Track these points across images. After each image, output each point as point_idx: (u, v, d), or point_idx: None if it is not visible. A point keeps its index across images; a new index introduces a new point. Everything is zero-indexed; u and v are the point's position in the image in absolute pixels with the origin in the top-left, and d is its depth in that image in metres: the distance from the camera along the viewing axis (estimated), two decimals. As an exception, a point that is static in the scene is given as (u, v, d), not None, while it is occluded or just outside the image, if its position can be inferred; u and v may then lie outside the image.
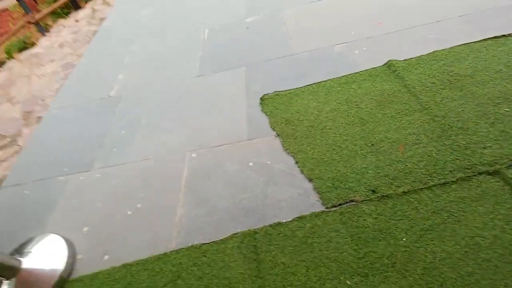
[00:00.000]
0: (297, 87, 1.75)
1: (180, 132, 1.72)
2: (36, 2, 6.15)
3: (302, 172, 1.34)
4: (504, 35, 1.62)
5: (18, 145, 2.28)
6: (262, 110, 1.68)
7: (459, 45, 1.66)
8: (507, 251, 0.95)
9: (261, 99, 1.75)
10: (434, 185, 1.16)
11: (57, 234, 1.40)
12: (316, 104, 1.62)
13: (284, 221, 1.20)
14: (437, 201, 1.11)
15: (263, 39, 2.22)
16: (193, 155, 1.58)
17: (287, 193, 1.29)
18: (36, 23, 4.76)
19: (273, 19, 2.38)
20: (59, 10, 5.34)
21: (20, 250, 1.37)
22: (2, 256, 1.22)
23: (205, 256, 1.18)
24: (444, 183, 1.15)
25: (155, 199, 1.44)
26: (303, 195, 1.27)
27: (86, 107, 2.13)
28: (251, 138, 1.56)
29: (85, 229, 1.41)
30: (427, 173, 1.20)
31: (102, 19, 3.84)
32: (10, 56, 5.13)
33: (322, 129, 1.49)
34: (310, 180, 1.30)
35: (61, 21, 4.65)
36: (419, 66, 1.62)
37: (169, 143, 1.67)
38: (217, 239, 1.22)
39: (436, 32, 1.79)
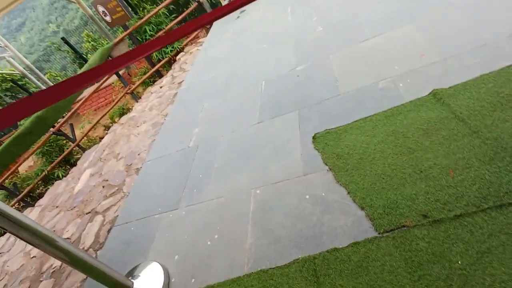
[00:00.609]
0: (346, 123, 1.92)
1: (245, 172, 2.02)
2: (130, 76, 7.72)
3: (354, 201, 1.48)
4: (560, 49, 1.57)
5: (124, 192, 2.88)
6: (314, 147, 1.89)
7: (508, 66, 1.65)
8: None
9: (313, 137, 1.96)
10: (489, 208, 1.17)
11: (156, 261, 1.76)
12: (364, 138, 1.76)
13: (340, 246, 1.34)
14: (494, 224, 1.13)
15: (312, 84, 2.49)
16: (258, 191, 1.84)
17: (342, 221, 1.43)
18: (131, 93, 5.98)
19: (320, 65, 2.66)
20: (147, 80, 6.62)
21: (131, 273, 1.76)
22: (122, 277, 1.61)
23: (272, 279, 1.37)
24: (500, 205, 1.16)
25: (228, 231, 1.72)
26: (356, 222, 1.39)
27: (172, 157, 2.63)
28: (306, 173, 1.77)
29: (176, 257, 1.75)
30: (480, 196, 1.22)
31: (180, 83, 4.67)
32: (113, 121, 6.45)
33: (371, 160, 1.61)
34: (362, 208, 1.43)
35: (149, 88, 5.75)
36: (466, 92, 1.66)
37: (237, 183, 1.98)
38: (281, 264, 1.40)
39: (482, 56, 1.81)
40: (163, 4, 5.79)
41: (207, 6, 7.23)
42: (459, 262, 1.09)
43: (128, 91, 5.97)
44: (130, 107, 5.99)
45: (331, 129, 1.95)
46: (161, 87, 5.09)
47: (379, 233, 1.30)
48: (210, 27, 6.00)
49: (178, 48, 6.32)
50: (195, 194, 2.10)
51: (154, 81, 6.24)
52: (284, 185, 1.78)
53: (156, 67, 6.03)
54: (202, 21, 1.19)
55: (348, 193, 1.53)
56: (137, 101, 5.60)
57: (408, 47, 2.24)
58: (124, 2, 5.24)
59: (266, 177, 1.90)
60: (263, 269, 1.43)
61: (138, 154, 3.45)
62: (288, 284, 1.31)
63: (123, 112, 6.16)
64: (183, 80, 4.34)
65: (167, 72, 5.86)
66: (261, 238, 1.57)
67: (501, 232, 1.10)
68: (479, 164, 1.32)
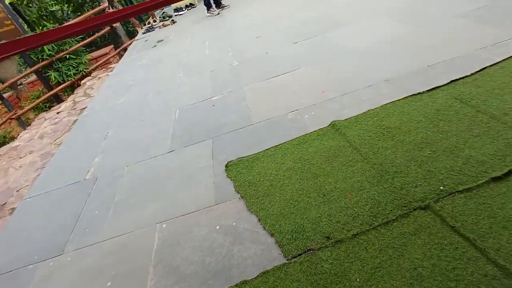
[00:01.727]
0: (257, 152, 1.95)
1: (151, 206, 1.81)
2: (20, 99, 6.56)
3: (264, 228, 1.44)
4: (419, 93, 1.97)
5: (-12, 239, 2.24)
6: (227, 175, 1.84)
7: (387, 103, 1.98)
8: (444, 277, 1.05)
9: (226, 166, 1.92)
10: (379, 225, 1.28)
11: (21, 327, 1.35)
12: (274, 165, 1.80)
13: (249, 278, 1.25)
14: (383, 239, 1.23)
15: (227, 114, 2.50)
16: (164, 225, 1.65)
17: (252, 250, 1.36)
18: (17, 119, 5.03)
19: (235, 96, 2.73)
20: (41, 105, 5.71)
21: None
22: None
23: (174, 327, 1.18)
24: (387, 222, 1.28)
25: (125, 275, 1.46)
26: (266, 250, 1.34)
27: (61, 193, 2.21)
28: (218, 202, 1.68)
29: (52, 317, 1.37)
30: (371, 214, 1.34)
31: (82, 109, 4.15)
32: (-12, 151, 5.20)
33: (280, 186, 1.64)
34: (272, 235, 1.40)
35: (43, 114, 4.94)
36: (357, 123, 1.89)
37: (140, 218, 1.75)
38: (186, 307, 1.23)
39: (369, 94, 2.13)
40: (67, 24, 5.26)
41: (121, 32, 6.91)
42: (357, 280, 1.13)
43: (13, 117, 5.00)
44: (15, 135, 4.99)
45: (244, 157, 1.95)
46: (58, 113, 4.44)
47: (287, 259, 1.27)
48: (123, 54, 5.68)
49: (84, 72, 5.73)
50: (87, 235, 1.76)
51: (50, 107, 5.42)
52: (194, 217, 1.64)
53: (55, 90, 5.30)
54: (106, 17, 1.07)
55: (259, 220, 1.49)
56: (24, 129, 4.72)
57: (312, 84, 2.50)
58: (17, 15, 4.56)
59: (174, 209, 1.73)
60: (165, 316, 1.23)
61: (17, 191, 2.81)
62: (193, 330, 1.15)
63: (4, 141, 5.08)
64: (86, 106, 3.87)
65: (68, 97, 5.19)
66: (164, 279, 1.37)
67: (389, 246, 1.20)
68: (370, 186, 1.47)
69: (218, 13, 5.57)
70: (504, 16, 2.46)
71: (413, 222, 1.25)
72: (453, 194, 1.30)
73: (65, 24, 5.46)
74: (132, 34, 7.71)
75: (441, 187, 1.34)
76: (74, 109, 4.36)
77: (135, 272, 1.45)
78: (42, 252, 1.74)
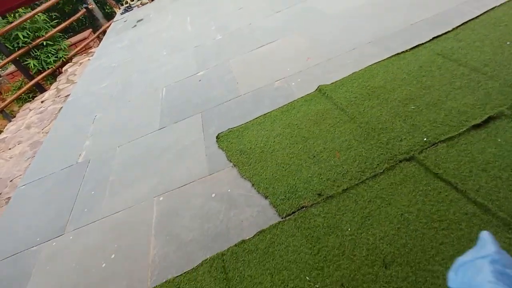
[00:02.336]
0: (247, 121, 1.97)
1: (146, 181, 1.84)
2: (1, 93, 6.35)
3: (258, 192, 1.49)
4: (403, 52, 1.98)
5: (-12, 228, 2.26)
6: (218, 146, 1.87)
7: (371, 64, 1.99)
8: (429, 219, 1.12)
9: (217, 137, 1.94)
10: (367, 179, 1.34)
11: (32, 303, 1.40)
12: (264, 133, 1.83)
13: (247, 238, 1.31)
14: (371, 191, 1.29)
15: (214, 87, 2.49)
16: (161, 198, 1.69)
17: (248, 213, 1.42)
18: (1, 111, 4.90)
19: (221, 69, 2.70)
20: (24, 96, 5.55)
21: (-6, 327, 1.35)
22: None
23: (179, 287, 1.24)
24: (375, 176, 1.34)
25: (128, 247, 1.51)
26: (261, 212, 1.40)
27: (55, 178, 2.21)
28: (212, 172, 1.71)
29: (61, 291, 1.43)
30: (360, 170, 1.39)
31: (67, 96, 4.06)
32: (-25, 147, 5.10)
33: (271, 152, 1.68)
34: (266, 197, 1.45)
35: (27, 104, 4.81)
36: (343, 86, 1.91)
37: (137, 193, 1.78)
38: (189, 269, 1.29)
39: (353, 57, 2.14)
40: (39, 9, 5.02)
41: (99, 15, 6.62)
42: (349, 229, 1.19)
43: (-3, 109, 4.86)
44: (1, 129, 4.88)
45: (234, 127, 1.97)
46: (42, 102, 4.33)
47: (282, 218, 1.33)
48: (103, 37, 5.48)
49: (64, 58, 5.54)
50: (86, 214, 1.79)
51: (33, 97, 5.26)
52: (190, 188, 1.68)
53: (36, 80, 5.13)
54: None
55: (252, 185, 1.54)
56: (10, 121, 4.61)
57: (297, 52, 2.48)
58: (-16, 2, 4.32)
59: (169, 183, 1.76)
60: (169, 278, 1.29)
61: (11, 181, 2.80)
62: (197, 287, 1.21)
63: (-10, 135, 4.95)
64: (70, 93, 3.78)
65: (50, 86, 5.04)
66: (166, 246, 1.43)
67: (377, 197, 1.26)
68: (357, 144, 1.52)
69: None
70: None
71: (399, 173, 1.31)
72: (436, 144, 1.36)
73: None
74: (110, 16, 7.39)
75: (425, 139, 1.40)
76: (59, 96, 4.25)
77: (137, 243, 1.50)
78: (43, 234, 1.78)
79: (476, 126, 1.35)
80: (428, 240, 1.07)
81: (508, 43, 1.71)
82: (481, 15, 2.00)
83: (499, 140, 1.27)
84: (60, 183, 2.14)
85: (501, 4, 2.01)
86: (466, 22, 1.99)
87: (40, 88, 5.35)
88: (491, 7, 2.01)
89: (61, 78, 4.86)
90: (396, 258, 1.06)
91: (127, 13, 6.04)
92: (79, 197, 1.94)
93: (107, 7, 7.90)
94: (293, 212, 1.34)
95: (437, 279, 0.97)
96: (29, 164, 2.77)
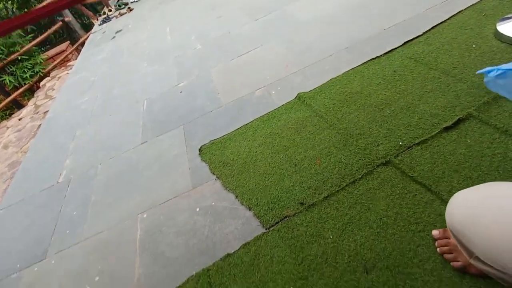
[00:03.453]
0: (229, 132, 1.98)
1: (129, 199, 1.82)
2: (-25, 110, 6.12)
3: (242, 203, 1.50)
4: (377, 56, 2.04)
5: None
6: (201, 159, 1.86)
7: (348, 70, 2.04)
8: (406, 222, 1.16)
9: (200, 150, 1.94)
10: (346, 185, 1.37)
11: (14, 333, 1.36)
12: (246, 143, 1.84)
13: (232, 251, 1.32)
14: (351, 197, 1.32)
15: (195, 98, 2.49)
16: (145, 215, 1.67)
17: (232, 226, 1.42)
18: (-23, 131, 4.72)
19: (201, 80, 2.70)
20: (0, 113, 5.38)
21: None
22: None
23: (166, 306, 1.23)
24: (354, 181, 1.37)
25: (112, 268, 1.48)
26: (246, 224, 1.41)
27: (35, 200, 2.15)
28: (196, 186, 1.71)
29: (44, 319, 1.39)
30: (340, 176, 1.42)
31: (45, 113, 3.96)
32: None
33: (254, 162, 1.69)
34: (250, 208, 1.46)
35: (4, 122, 4.67)
36: (322, 93, 1.95)
37: (120, 212, 1.76)
38: (176, 287, 1.28)
39: (330, 63, 2.18)
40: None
41: (76, 26, 6.51)
42: (331, 237, 1.22)
43: (-28, 129, 4.68)
44: (-23, 149, 4.69)
45: (216, 139, 1.97)
46: (20, 119, 4.21)
47: (266, 229, 1.34)
48: (82, 49, 5.38)
49: (41, 73, 5.41)
50: (68, 237, 1.75)
51: (10, 114, 5.11)
52: (173, 203, 1.67)
53: (12, 96, 4.99)
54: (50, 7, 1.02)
55: (236, 197, 1.54)
56: (-14, 140, 4.45)
57: (276, 60, 2.51)
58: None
59: (153, 199, 1.75)
60: (155, 299, 1.27)
61: (-12, 204, 2.69)
62: (184, 306, 1.21)
63: (-34, 156, 4.76)
64: (49, 109, 3.69)
65: (28, 102, 4.91)
66: (152, 265, 1.41)
67: (357, 203, 1.29)
68: (337, 151, 1.55)
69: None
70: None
71: (377, 178, 1.34)
72: (410, 148, 1.40)
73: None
74: (88, 27, 7.29)
75: (400, 143, 1.44)
76: (37, 113, 4.15)
77: (122, 263, 1.48)
78: (24, 259, 1.73)
79: (447, 128, 1.41)
80: (406, 243, 1.10)
81: (474, 45, 1.80)
82: (448, 19, 2.08)
83: (468, 141, 1.32)
84: (40, 205, 2.09)
85: (466, 8, 2.10)
86: (435, 26, 2.07)
87: (17, 105, 5.21)
88: (458, 11, 2.10)
89: (39, 94, 4.75)
90: (376, 263, 1.09)
91: (105, 24, 5.96)
92: (61, 219, 1.89)
93: (85, 17, 7.78)
94: (277, 223, 1.35)
95: (415, 282, 1.00)
96: (8, 186, 2.69)
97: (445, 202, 1.16)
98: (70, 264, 1.59)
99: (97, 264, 1.53)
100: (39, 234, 1.85)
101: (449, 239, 1.04)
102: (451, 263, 1.01)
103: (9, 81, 5.18)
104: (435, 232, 1.08)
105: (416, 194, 1.22)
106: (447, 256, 1.03)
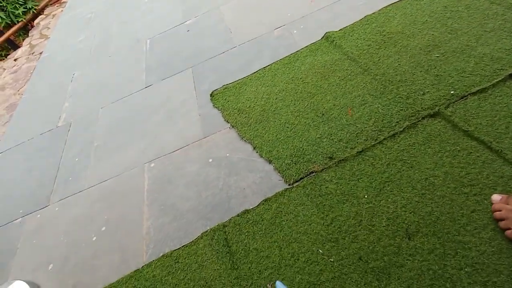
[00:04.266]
0: (244, 76, 1.74)
1: (135, 146, 1.66)
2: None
3: (261, 156, 1.33)
4: (424, -11, 1.70)
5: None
6: (213, 106, 1.66)
7: (386, 6, 1.72)
8: (458, 184, 0.98)
9: (211, 95, 1.72)
10: (385, 139, 1.18)
11: (20, 279, 1.30)
12: (264, 89, 1.61)
13: (250, 207, 1.18)
14: (390, 153, 1.14)
15: (205, 38, 2.19)
16: (152, 165, 1.52)
17: (250, 180, 1.27)
18: (-29, 71, 4.47)
19: (211, 17, 2.37)
20: (-5, 54, 5.06)
21: (-19, 306, 1.26)
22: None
23: (178, 262, 1.14)
24: (394, 135, 1.18)
25: (119, 218, 1.38)
26: (265, 178, 1.25)
27: (35, 143, 2.01)
28: (207, 135, 1.53)
29: (50, 266, 1.32)
30: (376, 129, 1.22)
31: (41, 53, 3.67)
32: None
33: (274, 110, 1.49)
34: (270, 161, 1.29)
35: (0, 63, 4.39)
36: (354, 33, 1.66)
37: (125, 160, 1.61)
38: (188, 242, 1.18)
39: (364, -2, 1.85)
40: None
41: None
42: (366, 197, 1.06)
43: (-33, 69, 4.43)
44: (-25, 91, 4.49)
45: (230, 83, 1.74)
46: (15, 60, 3.94)
47: (289, 185, 1.19)
48: (76, -17, 4.85)
49: (34, 10, 4.96)
50: (71, 183, 1.63)
51: (6, 55, 4.80)
52: (183, 152, 1.51)
53: (6, 35, 4.63)
54: None
55: (254, 148, 1.37)
56: (-18, 81, 4.23)
57: (298, -6, 2.15)
58: None
59: (161, 147, 1.59)
60: (166, 252, 1.18)
61: (-12, 148, 2.58)
62: (197, 262, 1.11)
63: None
64: (45, 49, 3.39)
65: (23, 41, 4.56)
66: (161, 217, 1.30)
67: (397, 159, 1.11)
68: (372, 99, 1.33)
69: None
70: None
71: (422, 132, 1.15)
72: (465, 98, 1.18)
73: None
74: None
75: (452, 92, 1.21)
76: (33, 53, 3.86)
77: (129, 214, 1.37)
78: (27, 205, 1.63)
79: (513, 75, 1.17)
80: (458, 208, 0.94)
81: (551, -25, 1.45)
82: None
83: (541, 91, 1.09)
84: (40, 149, 1.95)
85: None
86: (499, -49, 1.69)
87: (12, 45, 4.87)
88: None
89: (34, 33, 4.38)
90: (421, 228, 0.94)
91: (101, -45, 5.29)
92: (62, 164, 1.76)
93: None
94: (301, 178, 1.19)
95: (468, 251, 0.86)
96: (7, 129, 2.54)
97: (508, 162, 0.97)
98: (75, 212, 1.49)
99: (102, 213, 1.42)
100: (41, 179, 1.74)
101: (508, 205, 0.88)
102: (505, 232, 0.86)
103: (1, 17, 4.76)
104: (495, 197, 0.91)
105: (471, 152, 1.04)
106: (501, 223, 0.88)
